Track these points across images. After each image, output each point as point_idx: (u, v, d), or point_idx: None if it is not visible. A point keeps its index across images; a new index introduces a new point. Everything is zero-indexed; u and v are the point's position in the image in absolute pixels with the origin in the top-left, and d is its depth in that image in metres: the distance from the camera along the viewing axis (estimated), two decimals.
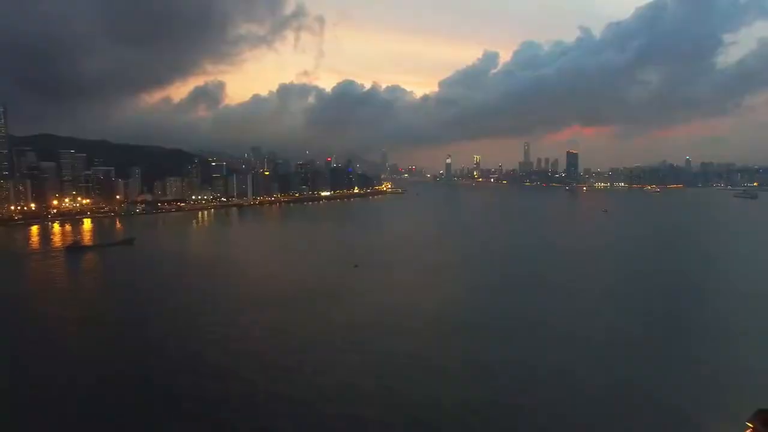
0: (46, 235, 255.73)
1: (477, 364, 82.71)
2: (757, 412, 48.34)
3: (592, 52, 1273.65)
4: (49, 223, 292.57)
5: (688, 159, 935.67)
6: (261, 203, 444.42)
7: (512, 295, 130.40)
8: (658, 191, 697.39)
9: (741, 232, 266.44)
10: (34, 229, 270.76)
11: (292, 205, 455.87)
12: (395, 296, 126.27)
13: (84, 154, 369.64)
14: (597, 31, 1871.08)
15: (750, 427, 47.53)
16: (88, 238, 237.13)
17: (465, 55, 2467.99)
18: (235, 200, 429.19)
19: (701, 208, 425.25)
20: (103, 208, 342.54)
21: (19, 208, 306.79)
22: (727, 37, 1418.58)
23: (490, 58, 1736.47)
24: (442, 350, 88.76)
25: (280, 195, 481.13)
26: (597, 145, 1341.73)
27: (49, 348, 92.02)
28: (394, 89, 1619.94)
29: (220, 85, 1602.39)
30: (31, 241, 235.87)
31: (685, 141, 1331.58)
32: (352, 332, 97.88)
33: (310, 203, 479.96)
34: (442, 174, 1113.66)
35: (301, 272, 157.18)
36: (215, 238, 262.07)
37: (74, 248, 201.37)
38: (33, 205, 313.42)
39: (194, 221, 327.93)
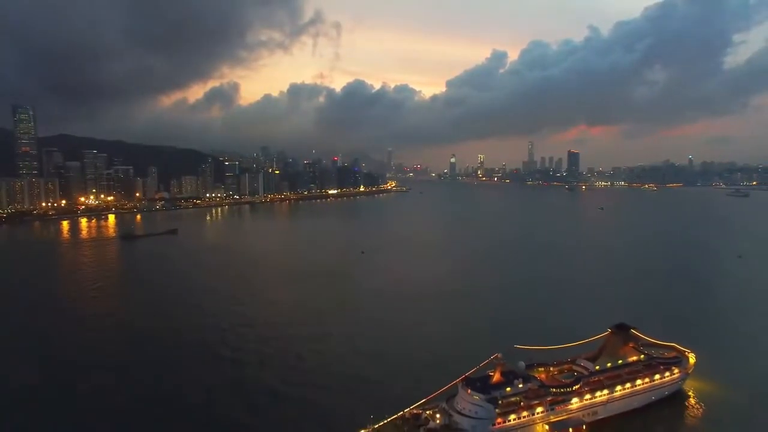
0: (87, 227, 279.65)
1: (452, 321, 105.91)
2: (618, 323, 71.36)
3: (600, 52, 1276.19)
4: (78, 218, 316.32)
5: (690, 158, 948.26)
6: (272, 200, 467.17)
7: (488, 273, 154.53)
8: (655, 190, 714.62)
9: (712, 225, 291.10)
10: (65, 223, 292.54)
11: (301, 202, 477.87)
12: (395, 275, 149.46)
13: (105, 154, 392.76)
14: (605, 30, 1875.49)
15: (609, 331, 70.83)
16: (137, 228, 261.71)
17: (474, 53, 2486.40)
18: (247, 198, 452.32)
19: (690, 205, 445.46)
20: (126, 204, 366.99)
21: (49, 204, 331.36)
22: (736, 37, 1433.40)
23: (498, 57, 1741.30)
24: (427, 313, 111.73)
25: (290, 193, 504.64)
26: (603, 145, 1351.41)
27: (145, 300, 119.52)
28: (403, 89, 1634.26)
29: (235, 86, 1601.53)
30: (80, 233, 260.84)
31: (691, 140, 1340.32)
32: (360, 300, 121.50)
33: (318, 201, 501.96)
34: (446, 173, 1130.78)
35: (316, 258, 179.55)
36: (239, 230, 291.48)
37: (127, 236, 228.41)
38: (63, 202, 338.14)
39: (213, 217, 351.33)
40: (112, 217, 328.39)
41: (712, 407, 68.13)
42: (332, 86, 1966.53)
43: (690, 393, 71.36)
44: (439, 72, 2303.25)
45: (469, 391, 58.18)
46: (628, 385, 65.12)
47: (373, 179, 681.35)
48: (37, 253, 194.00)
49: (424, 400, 58.59)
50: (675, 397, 69.43)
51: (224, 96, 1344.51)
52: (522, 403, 58.71)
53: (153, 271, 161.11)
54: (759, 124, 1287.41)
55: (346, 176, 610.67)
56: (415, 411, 58.05)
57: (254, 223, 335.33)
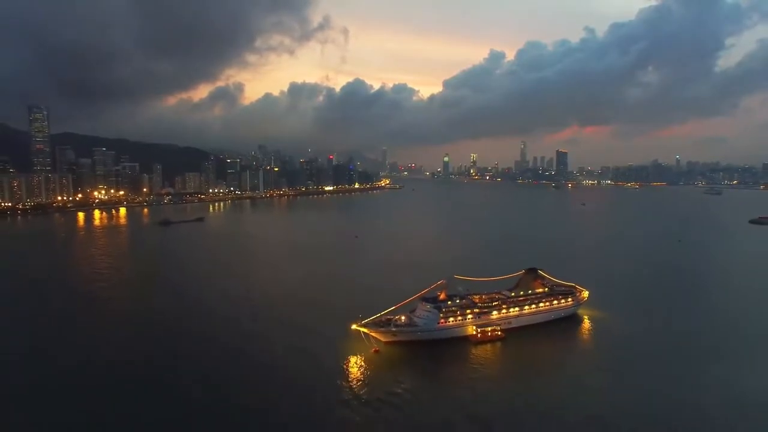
0: (105, 218, 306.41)
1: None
2: (530, 267, 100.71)
3: (595, 55, 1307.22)
4: (92, 211, 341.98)
5: (677, 158, 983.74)
6: (271, 196, 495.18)
7: (456, 247, 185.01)
8: (637, 188, 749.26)
9: (673, 217, 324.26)
10: (81, 215, 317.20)
11: (299, 198, 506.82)
12: (384, 254, 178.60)
13: (113, 152, 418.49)
14: (601, 31, 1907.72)
15: (523, 271, 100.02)
16: (172, 216, 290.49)
17: (472, 53, 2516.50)
18: (248, 193, 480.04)
19: (663, 201, 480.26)
20: (136, 199, 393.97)
21: (65, 198, 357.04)
22: (729, 40, 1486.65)
23: (496, 57, 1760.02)
24: (404, 268, 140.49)
25: (288, 189, 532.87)
26: (595, 145, 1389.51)
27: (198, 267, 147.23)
28: (402, 88, 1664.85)
29: (240, 87, 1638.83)
30: (115, 221, 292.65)
31: (681, 141, 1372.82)
32: (353, 270, 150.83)
33: (315, 196, 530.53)
34: (439, 171, 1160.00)
35: (315, 242, 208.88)
36: (248, 220, 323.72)
37: (165, 223, 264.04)
38: (79, 196, 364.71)
39: (221, 210, 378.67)
40: (123, 210, 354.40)
41: (597, 326, 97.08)
42: (331, 85, 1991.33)
43: (584, 317, 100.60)
44: (437, 72, 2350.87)
45: (423, 303, 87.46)
46: (533, 306, 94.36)
47: (367, 177, 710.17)
48: (86, 238, 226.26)
49: (394, 307, 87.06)
50: (570, 318, 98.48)
51: (228, 96, 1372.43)
52: (458, 312, 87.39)
53: (191, 247, 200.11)
54: (748, 126, 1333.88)
55: (341, 174, 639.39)
56: (388, 316, 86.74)
57: (259, 215, 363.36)
